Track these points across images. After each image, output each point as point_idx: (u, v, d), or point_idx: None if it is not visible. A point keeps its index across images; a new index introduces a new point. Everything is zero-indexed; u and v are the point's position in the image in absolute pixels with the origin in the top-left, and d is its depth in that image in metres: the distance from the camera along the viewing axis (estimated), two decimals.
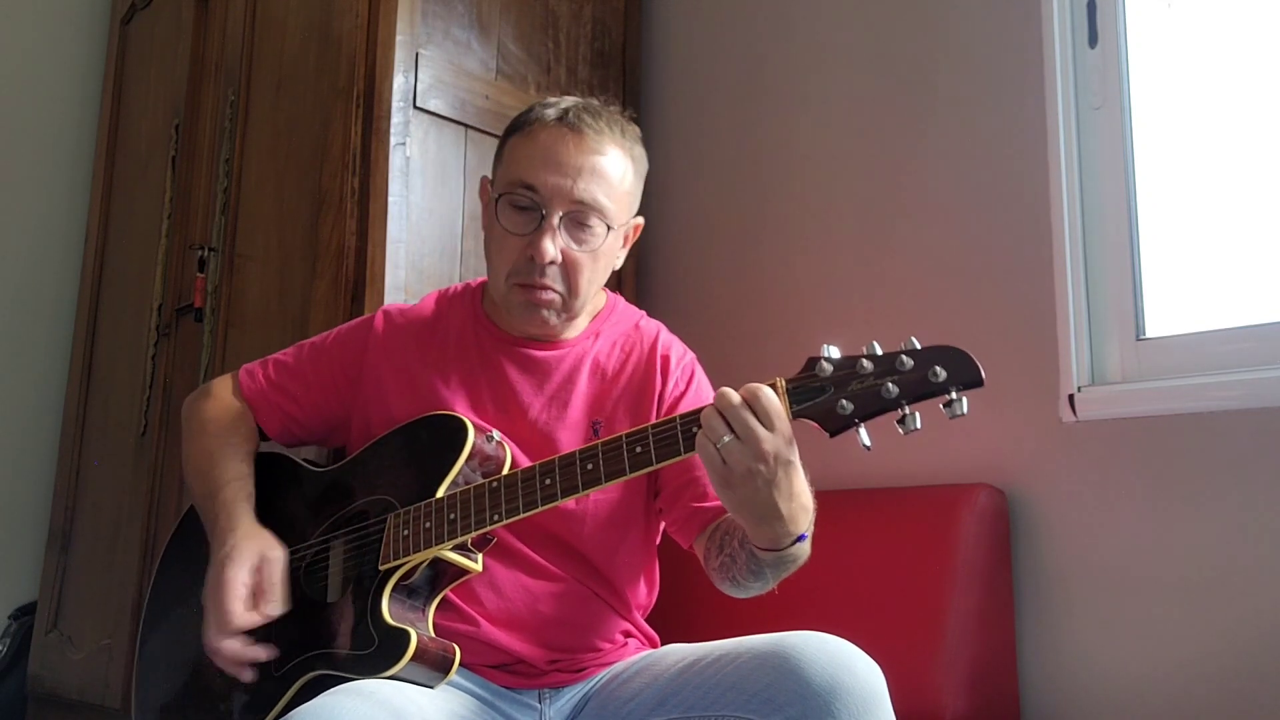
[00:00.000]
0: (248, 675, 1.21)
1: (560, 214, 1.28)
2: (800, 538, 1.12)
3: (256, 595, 1.20)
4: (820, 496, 1.75)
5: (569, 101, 1.34)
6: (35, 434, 2.66)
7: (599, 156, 1.30)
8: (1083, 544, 1.59)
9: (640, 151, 1.37)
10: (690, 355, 1.45)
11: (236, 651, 1.19)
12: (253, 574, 1.21)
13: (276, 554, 1.24)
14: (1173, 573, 1.50)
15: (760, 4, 2.16)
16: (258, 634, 1.24)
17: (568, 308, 1.33)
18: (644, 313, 1.49)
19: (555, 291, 1.30)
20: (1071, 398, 1.60)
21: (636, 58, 2.31)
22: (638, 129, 1.39)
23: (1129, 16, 1.69)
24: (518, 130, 1.34)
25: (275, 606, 1.21)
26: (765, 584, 1.21)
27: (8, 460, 2.63)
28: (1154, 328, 1.61)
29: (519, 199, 1.30)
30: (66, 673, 2.32)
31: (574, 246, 1.29)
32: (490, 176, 1.39)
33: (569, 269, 1.30)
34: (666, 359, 1.39)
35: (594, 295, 1.37)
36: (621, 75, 2.27)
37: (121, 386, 2.40)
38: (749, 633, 1.18)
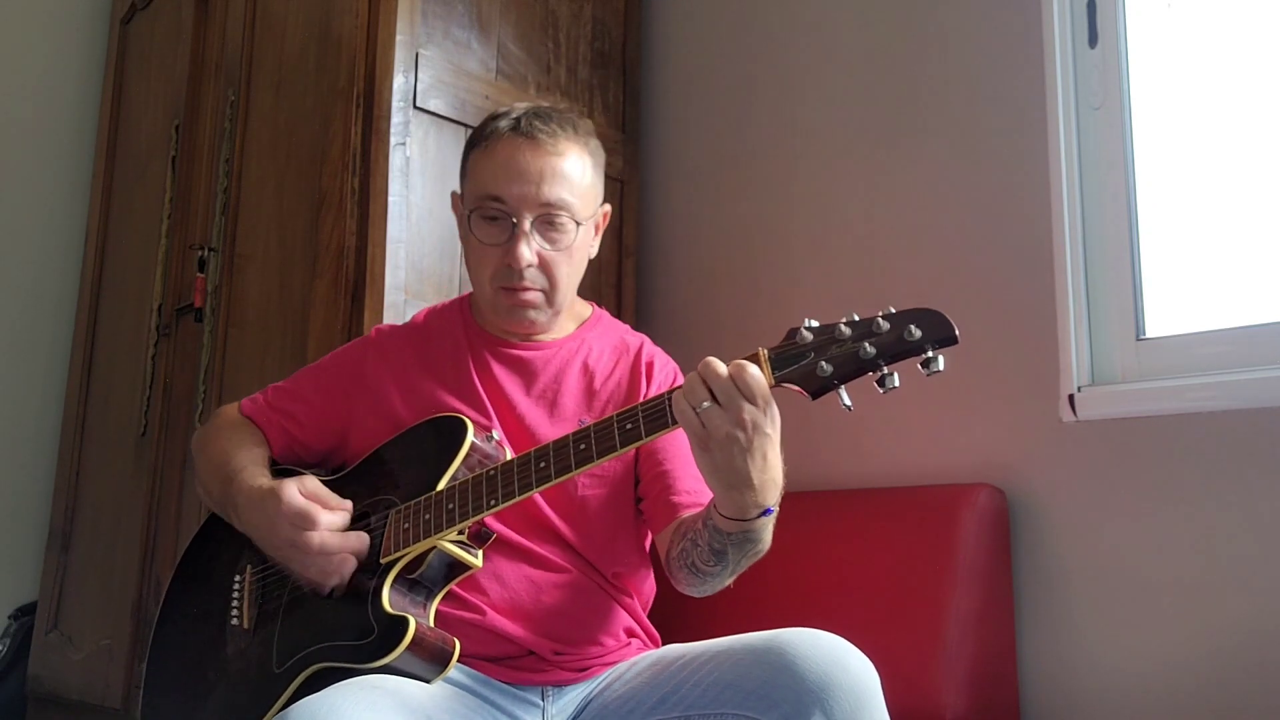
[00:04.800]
0: (351, 565, 1.22)
1: (530, 219, 1.34)
2: (766, 511, 1.13)
3: (317, 509, 1.22)
4: (822, 497, 1.77)
5: (520, 109, 1.39)
6: (35, 434, 2.67)
7: (557, 158, 1.35)
8: (1083, 544, 1.59)
9: (595, 144, 1.43)
10: (673, 365, 1.49)
11: (334, 542, 1.20)
12: (301, 497, 1.23)
13: (304, 477, 1.27)
14: (1172, 572, 1.50)
15: (759, 3, 2.16)
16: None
17: (551, 303, 1.39)
18: (628, 326, 1.54)
19: (537, 290, 1.37)
20: (1071, 398, 1.59)
21: (636, 58, 2.31)
22: (590, 124, 1.45)
23: (1129, 16, 1.69)
24: (476, 145, 1.40)
25: (339, 513, 1.23)
26: (724, 570, 1.21)
27: (8, 460, 2.63)
28: (1154, 328, 1.61)
29: (488, 211, 1.36)
30: (66, 673, 2.32)
31: (548, 247, 1.35)
32: (459, 191, 1.44)
33: (547, 268, 1.36)
34: (651, 365, 1.44)
35: (574, 287, 1.42)
36: (621, 75, 2.27)
37: (121, 386, 2.40)
38: (748, 631, 1.18)
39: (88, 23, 2.84)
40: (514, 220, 1.33)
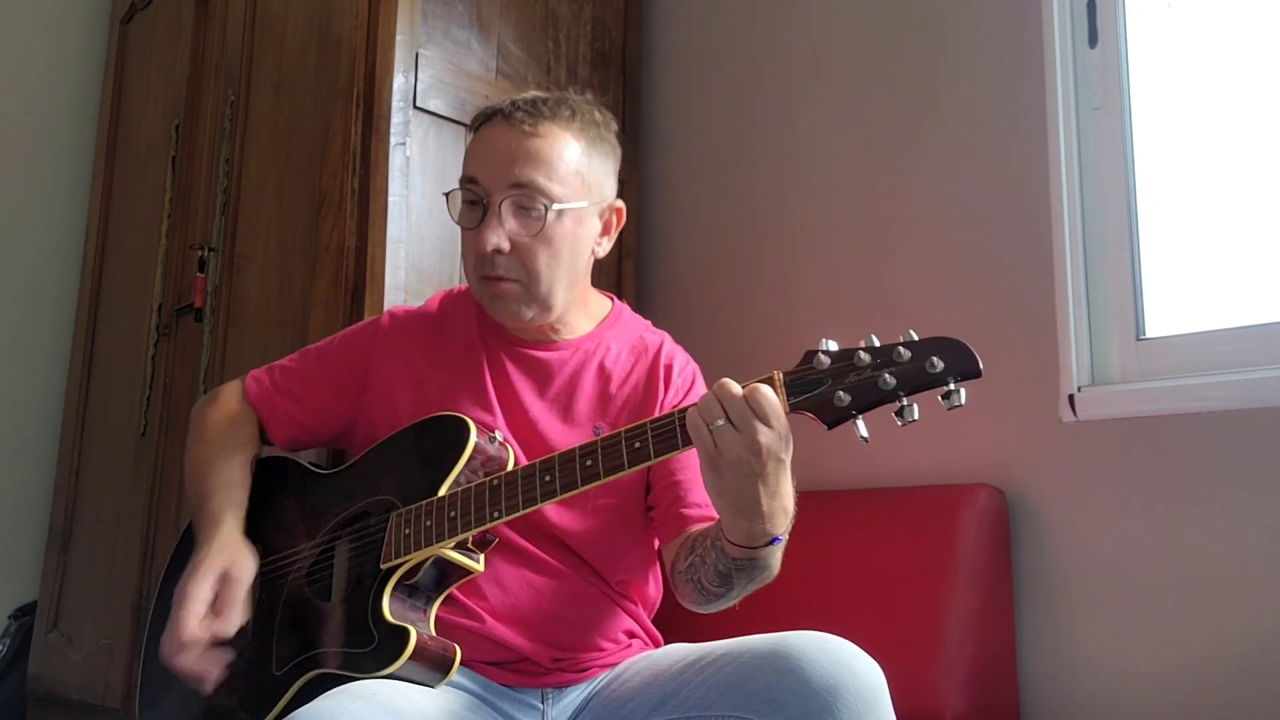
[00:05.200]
0: (206, 688, 1.21)
1: (500, 200, 1.29)
2: (774, 540, 1.11)
3: (216, 610, 1.20)
4: (821, 496, 1.76)
5: (518, 97, 1.36)
6: (35, 434, 2.66)
7: (534, 139, 1.30)
8: (1083, 544, 1.59)
9: (597, 133, 1.36)
10: (693, 365, 1.45)
11: (188, 666, 1.19)
12: (214, 588, 1.21)
13: (242, 569, 1.23)
14: (1173, 573, 1.50)
15: (760, 3, 2.16)
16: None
17: (532, 295, 1.32)
18: (649, 323, 1.50)
19: (512, 280, 1.31)
20: (1071, 398, 1.59)
21: (636, 58, 2.31)
22: (596, 114, 1.38)
23: (1129, 16, 1.69)
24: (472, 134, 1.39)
25: (227, 626, 1.20)
26: (729, 593, 1.19)
27: (8, 460, 2.63)
28: (1154, 328, 1.61)
29: (466, 194, 1.33)
30: (66, 673, 2.32)
31: (521, 233, 1.30)
32: None
33: (522, 255, 1.30)
34: (670, 367, 1.40)
35: (565, 281, 1.33)
36: (621, 75, 2.27)
37: (121, 386, 2.40)
38: (750, 633, 1.18)
39: (88, 23, 2.84)
40: (486, 202, 1.30)
